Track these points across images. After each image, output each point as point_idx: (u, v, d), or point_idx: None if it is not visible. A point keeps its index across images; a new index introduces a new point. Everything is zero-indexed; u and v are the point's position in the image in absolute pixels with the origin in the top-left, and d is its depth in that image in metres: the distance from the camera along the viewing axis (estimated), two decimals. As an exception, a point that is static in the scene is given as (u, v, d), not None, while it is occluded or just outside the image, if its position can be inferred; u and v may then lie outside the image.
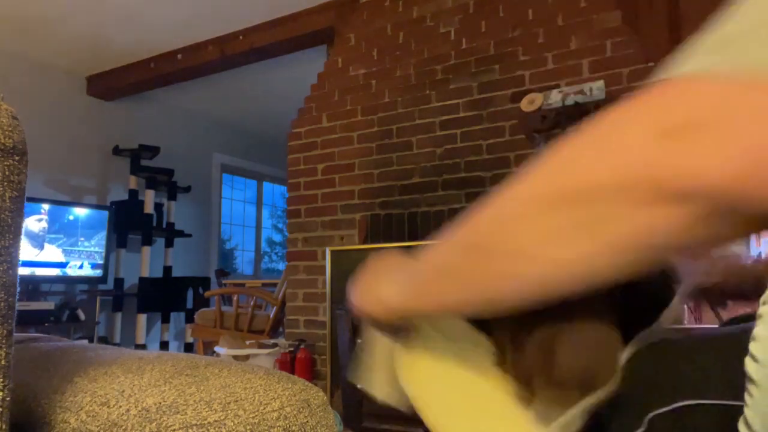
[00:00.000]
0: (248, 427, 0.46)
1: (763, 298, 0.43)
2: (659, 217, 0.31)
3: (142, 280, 4.63)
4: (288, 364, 3.01)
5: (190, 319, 4.63)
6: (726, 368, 0.50)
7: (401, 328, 0.56)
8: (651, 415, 0.52)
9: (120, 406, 0.48)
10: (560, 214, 0.34)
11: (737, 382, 0.45)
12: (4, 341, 0.45)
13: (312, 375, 3.08)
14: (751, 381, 0.41)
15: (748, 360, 0.42)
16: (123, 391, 0.50)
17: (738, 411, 0.46)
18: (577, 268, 0.35)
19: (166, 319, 4.84)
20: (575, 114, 2.49)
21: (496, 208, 0.39)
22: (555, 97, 2.54)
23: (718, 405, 0.49)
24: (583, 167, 0.33)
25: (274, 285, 4.00)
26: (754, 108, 0.28)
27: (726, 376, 0.50)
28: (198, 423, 0.45)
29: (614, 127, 0.33)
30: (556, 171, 0.36)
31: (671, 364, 0.55)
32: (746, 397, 0.42)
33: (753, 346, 0.42)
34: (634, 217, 0.32)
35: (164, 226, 4.94)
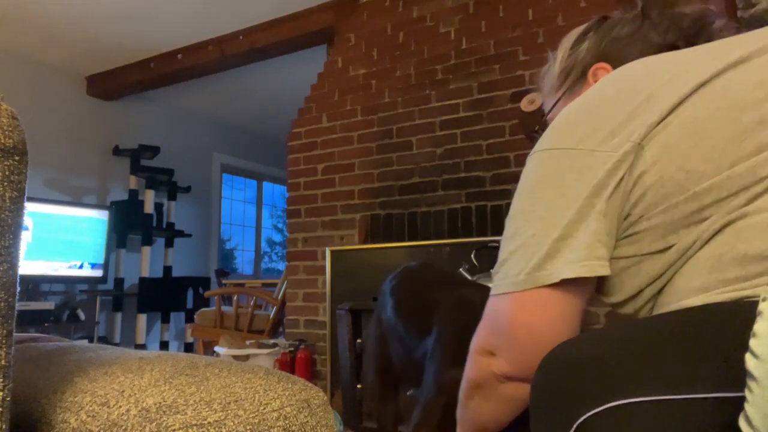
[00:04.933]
0: (248, 427, 0.46)
1: (763, 295, 0.43)
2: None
3: (142, 280, 4.63)
4: (288, 364, 3.01)
5: (190, 319, 4.63)
6: (668, 357, 0.50)
7: None
8: (580, 419, 0.52)
9: (120, 406, 0.48)
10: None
11: (687, 371, 0.48)
12: (4, 341, 0.45)
13: (312, 375, 3.08)
14: (752, 377, 0.42)
15: (748, 356, 0.42)
16: (123, 391, 0.50)
17: (695, 403, 0.46)
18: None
19: (166, 319, 4.84)
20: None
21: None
22: (555, 97, 2.54)
23: (665, 401, 0.49)
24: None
25: (274, 285, 4.00)
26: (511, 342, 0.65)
27: (670, 365, 0.50)
28: (198, 423, 0.45)
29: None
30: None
31: (594, 364, 0.55)
32: (746, 393, 0.42)
33: (753, 342, 0.42)
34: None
35: (164, 226, 4.93)
